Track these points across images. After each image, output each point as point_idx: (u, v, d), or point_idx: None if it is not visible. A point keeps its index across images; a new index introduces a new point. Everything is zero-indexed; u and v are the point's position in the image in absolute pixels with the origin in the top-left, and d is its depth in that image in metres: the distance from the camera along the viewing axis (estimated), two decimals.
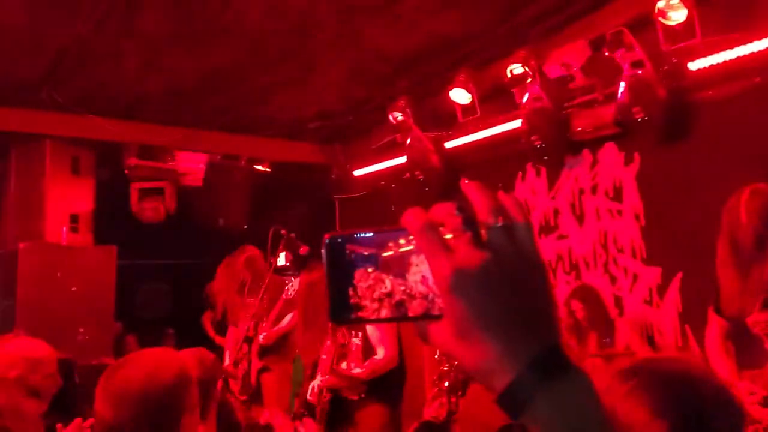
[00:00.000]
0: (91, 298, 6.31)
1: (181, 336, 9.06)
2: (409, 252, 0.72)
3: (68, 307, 6.13)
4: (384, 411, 4.71)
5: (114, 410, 1.95)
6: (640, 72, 4.74)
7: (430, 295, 0.70)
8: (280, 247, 5.14)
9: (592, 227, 5.54)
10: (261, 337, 5.58)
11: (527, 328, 0.67)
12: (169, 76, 6.02)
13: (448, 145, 6.35)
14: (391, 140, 6.80)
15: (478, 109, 5.76)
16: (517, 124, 5.57)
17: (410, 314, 0.71)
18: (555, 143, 5.43)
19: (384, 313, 0.71)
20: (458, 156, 6.37)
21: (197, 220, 7.35)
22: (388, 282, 0.71)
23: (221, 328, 7.76)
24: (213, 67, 5.84)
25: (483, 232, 0.69)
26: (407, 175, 6.71)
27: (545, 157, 5.66)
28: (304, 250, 5.24)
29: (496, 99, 5.81)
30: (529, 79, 5.19)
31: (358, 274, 0.72)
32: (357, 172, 7.53)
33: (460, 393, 4.78)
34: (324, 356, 4.60)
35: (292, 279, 5.75)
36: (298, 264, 5.96)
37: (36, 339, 3.28)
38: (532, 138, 5.40)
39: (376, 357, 4.70)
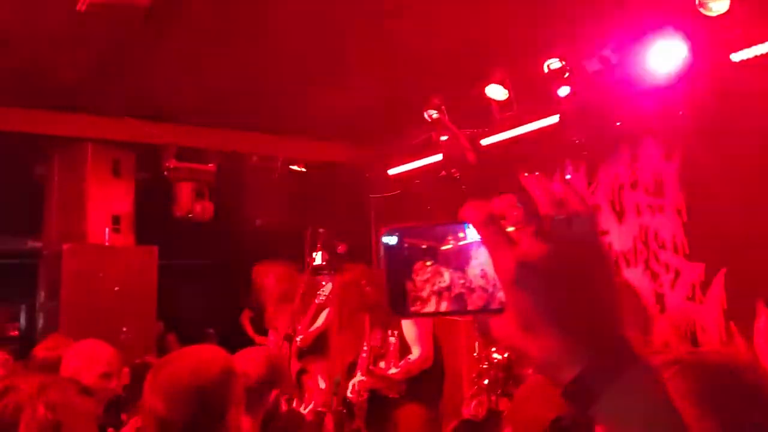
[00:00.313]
0: (133, 297, 6.41)
1: (221, 335, 9.17)
2: (468, 245, 0.71)
3: (111, 307, 6.23)
4: (424, 410, 4.69)
5: (166, 404, 2.00)
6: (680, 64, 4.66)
7: (490, 289, 0.70)
8: (318, 245, 5.16)
9: (632, 223, 5.46)
10: (298, 339, 5.62)
11: (594, 319, 0.67)
12: (206, 79, 6.09)
13: (485, 142, 6.30)
14: (426, 138, 6.79)
15: (514, 105, 5.72)
16: (554, 119, 5.51)
17: (470, 308, 0.71)
18: (594, 138, 5.36)
19: (443, 306, 0.71)
20: (495, 153, 6.33)
21: (234, 221, 7.42)
22: (447, 275, 0.71)
23: (260, 327, 7.82)
24: (249, 68, 5.89)
25: (545, 224, 0.68)
26: (443, 173, 6.69)
27: (584, 153, 5.59)
28: (342, 248, 5.25)
29: (533, 94, 5.76)
30: (567, 74, 5.14)
31: (417, 267, 0.72)
32: (391, 171, 7.52)
33: (499, 391, 4.75)
34: (364, 355, 4.61)
35: (324, 284, 5.74)
36: (334, 263, 5.98)
37: (97, 341, 3.36)
38: (571, 133, 5.35)
39: (410, 357, 4.68)
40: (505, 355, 4.73)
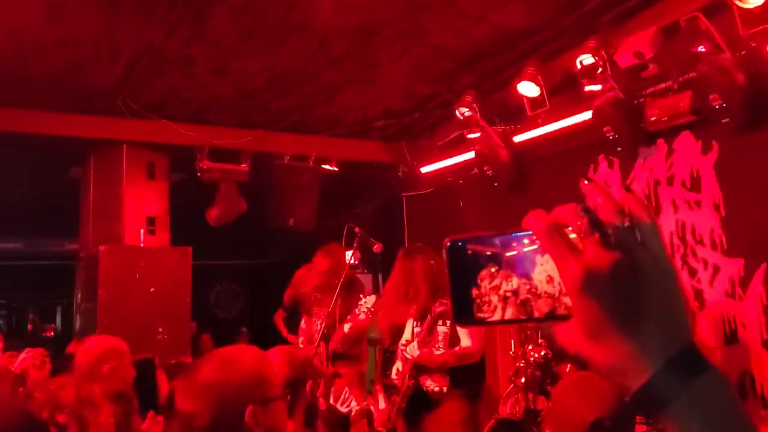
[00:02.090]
0: (168, 298, 6.47)
1: (254, 334, 9.25)
2: (533, 252, 0.71)
3: (147, 308, 6.30)
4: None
5: (200, 407, 1.94)
6: (716, 58, 4.59)
7: (556, 294, 0.70)
8: (354, 245, 5.14)
9: (669, 219, 5.39)
10: (346, 327, 5.50)
11: (662, 327, 0.67)
12: (238, 79, 6.14)
13: (517, 139, 6.27)
14: (458, 136, 6.77)
15: (547, 102, 5.67)
16: (588, 115, 5.46)
17: (536, 314, 0.70)
18: (628, 134, 5.30)
19: (509, 313, 0.71)
20: (527, 150, 6.29)
21: (267, 221, 7.45)
22: (514, 280, 0.71)
23: (293, 326, 7.85)
24: (280, 68, 5.93)
25: (610, 232, 0.68)
26: (475, 170, 6.66)
27: (618, 149, 5.53)
28: (378, 247, 5.22)
29: (565, 91, 5.71)
30: (600, 69, 5.09)
31: (482, 275, 0.72)
32: (424, 169, 7.51)
33: (537, 389, 4.72)
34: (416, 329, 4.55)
35: (363, 298, 5.47)
36: (368, 262, 5.96)
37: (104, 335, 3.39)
38: (604, 129, 5.29)
39: (463, 345, 4.62)
40: (542, 353, 4.70)
